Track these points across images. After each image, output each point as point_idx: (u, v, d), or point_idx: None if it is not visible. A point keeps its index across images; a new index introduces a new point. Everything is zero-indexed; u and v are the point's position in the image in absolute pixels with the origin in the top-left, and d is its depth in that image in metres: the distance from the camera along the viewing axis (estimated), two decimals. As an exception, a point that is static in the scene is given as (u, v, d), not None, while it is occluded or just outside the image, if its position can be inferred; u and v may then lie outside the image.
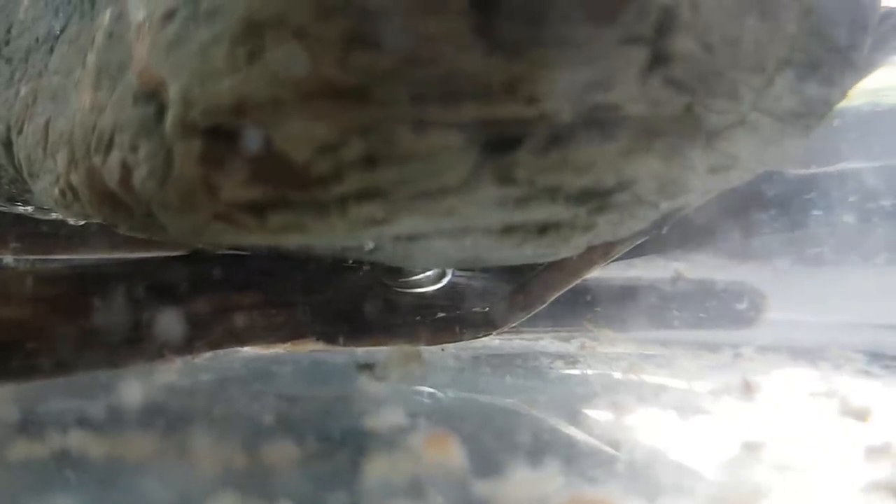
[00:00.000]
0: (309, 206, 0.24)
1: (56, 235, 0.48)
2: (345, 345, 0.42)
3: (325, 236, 0.26)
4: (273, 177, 0.23)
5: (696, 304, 0.61)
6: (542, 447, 0.27)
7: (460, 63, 0.21)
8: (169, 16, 0.23)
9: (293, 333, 0.40)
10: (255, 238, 0.26)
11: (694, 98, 0.24)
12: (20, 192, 0.38)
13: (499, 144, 0.23)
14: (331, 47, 0.21)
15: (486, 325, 0.42)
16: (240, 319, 0.38)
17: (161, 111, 0.24)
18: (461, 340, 0.42)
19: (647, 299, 0.59)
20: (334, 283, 0.40)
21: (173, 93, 0.23)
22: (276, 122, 0.22)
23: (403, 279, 0.42)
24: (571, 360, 0.44)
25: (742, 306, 0.63)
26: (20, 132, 0.33)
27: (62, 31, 0.31)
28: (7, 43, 0.37)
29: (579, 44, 0.21)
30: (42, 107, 0.31)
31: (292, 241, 0.27)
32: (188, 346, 0.36)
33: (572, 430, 0.29)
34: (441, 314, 0.42)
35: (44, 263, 0.38)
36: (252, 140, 0.23)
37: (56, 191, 0.30)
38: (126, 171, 0.26)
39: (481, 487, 0.21)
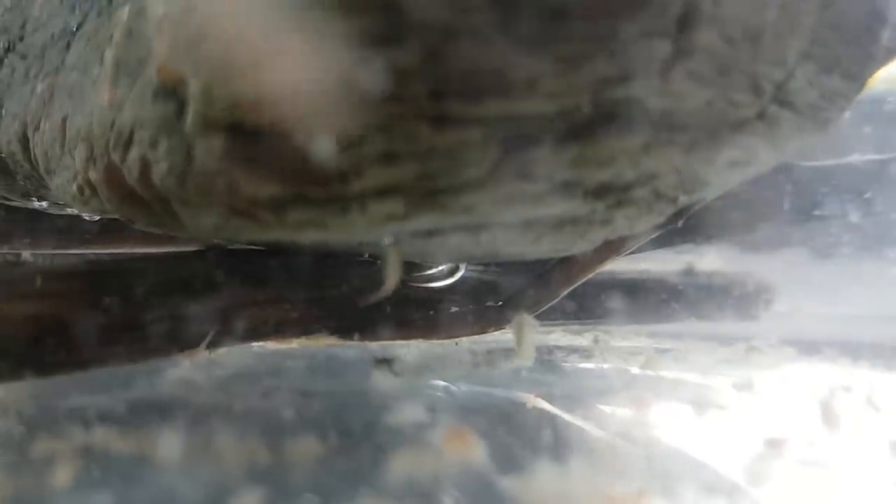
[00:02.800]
0: (329, 202, 0.24)
1: (70, 230, 0.48)
2: (359, 339, 0.42)
3: (344, 232, 0.26)
4: (293, 174, 0.23)
5: (706, 297, 0.61)
6: (562, 443, 0.27)
7: (481, 59, 0.21)
8: (189, 10, 0.23)
9: (308, 328, 0.40)
10: (274, 234, 0.26)
11: (715, 92, 0.24)
12: (36, 188, 0.38)
13: (519, 140, 0.23)
14: (353, 44, 0.21)
15: (500, 319, 0.42)
16: (255, 314, 0.38)
17: (182, 108, 0.24)
18: (475, 334, 0.42)
19: (658, 292, 0.58)
20: (349, 277, 0.40)
21: (194, 90, 0.23)
22: (298, 118, 0.22)
23: (417, 273, 0.42)
24: (586, 354, 0.44)
25: (752, 298, 0.63)
26: (37, 129, 0.33)
27: (79, 27, 0.31)
28: (21, 39, 0.37)
29: (601, 39, 0.21)
30: (59, 104, 0.31)
31: (311, 237, 0.27)
32: (205, 340, 0.36)
33: (591, 426, 0.29)
34: (454, 308, 0.42)
35: (60, 258, 0.38)
36: (273, 137, 0.23)
37: (74, 187, 0.30)
38: (145, 167, 0.26)
39: (504, 483, 0.21)
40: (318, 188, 0.24)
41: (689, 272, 0.60)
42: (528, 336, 0.37)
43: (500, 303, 0.42)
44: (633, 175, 0.26)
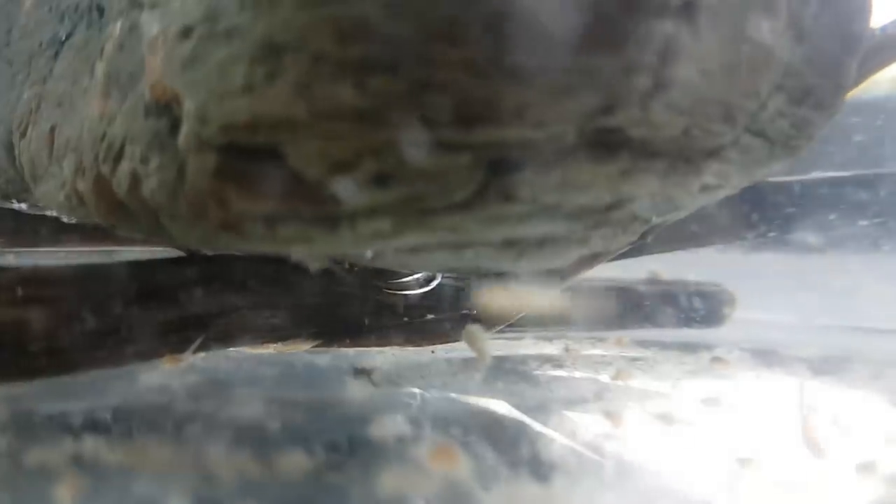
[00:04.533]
0: (319, 220, 0.25)
1: (48, 228, 0.48)
2: (337, 346, 0.42)
3: (332, 248, 0.27)
4: (285, 192, 0.24)
5: (670, 305, 0.63)
6: (538, 457, 0.28)
7: (473, 89, 0.22)
8: (185, 33, 0.24)
9: (286, 334, 0.41)
10: (262, 247, 0.27)
11: (691, 121, 0.25)
12: (17, 191, 0.38)
13: (505, 164, 0.24)
14: (348, 71, 0.21)
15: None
16: (235, 320, 0.38)
17: (175, 125, 0.25)
18: (449, 342, 0.43)
19: (624, 300, 0.60)
20: (327, 285, 0.41)
21: (189, 108, 0.24)
22: (291, 140, 0.23)
23: (393, 281, 0.43)
24: (558, 364, 0.45)
25: (714, 307, 0.65)
26: (23, 136, 0.33)
27: (68, 37, 0.32)
28: (7, 45, 0.37)
29: (586, 72, 0.22)
30: (47, 112, 0.31)
31: (299, 251, 0.27)
32: (185, 345, 0.36)
33: (565, 438, 0.30)
34: (431, 316, 0.43)
35: (44, 264, 0.39)
36: (266, 157, 0.24)
37: (61, 195, 0.31)
38: (136, 181, 0.27)
39: (488, 500, 0.22)
40: (308, 207, 0.24)
41: (653, 281, 0.62)
42: (483, 344, 0.38)
43: (475, 311, 0.43)
44: (611, 198, 0.27)
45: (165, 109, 0.25)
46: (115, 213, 0.29)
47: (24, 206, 0.42)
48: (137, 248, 0.46)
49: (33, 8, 0.35)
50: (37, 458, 0.24)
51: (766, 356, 0.49)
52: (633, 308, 0.60)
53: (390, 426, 0.27)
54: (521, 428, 0.32)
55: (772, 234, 0.53)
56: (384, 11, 0.21)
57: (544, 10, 0.22)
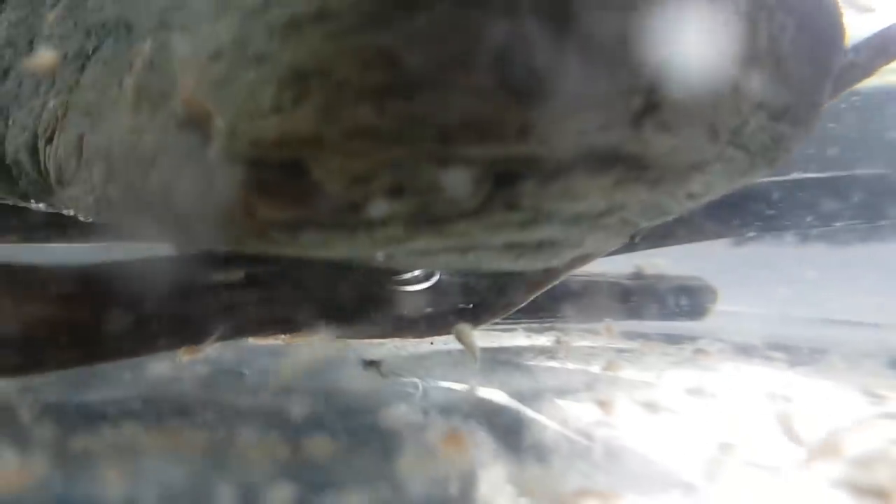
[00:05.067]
0: (338, 227, 0.27)
1: (59, 225, 0.50)
2: (341, 338, 0.45)
3: (349, 251, 0.29)
4: (308, 202, 0.26)
5: (655, 299, 0.66)
6: (537, 442, 0.30)
7: (483, 111, 0.24)
8: (216, 56, 0.26)
9: (295, 326, 0.43)
10: (285, 251, 0.29)
11: (679, 138, 0.27)
12: (38, 193, 0.40)
13: (510, 177, 0.26)
14: (368, 96, 0.24)
15: (471, 320, 0.45)
16: (246, 313, 0.41)
17: (205, 139, 0.27)
18: (447, 335, 0.46)
19: (611, 294, 0.63)
20: (332, 280, 0.43)
21: (220, 125, 0.26)
22: (316, 156, 0.25)
23: (396, 277, 0.45)
24: (550, 355, 0.48)
25: (696, 300, 0.68)
26: (49, 141, 0.35)
27: (94, 51, 0.34)
28: (30, 54, 0.39)
29: (586, 95, 0.24)
30: (75, 121, 0.33)
31: (318, 255, 0.30)
32: (199, 337, 0.39)
33: (559, 425, 0.33)
34: (429, 309, 0.45)
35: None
36: (291, 170, 0.26)
37: (91, 199, 0.33)
38: (166, 190, 0.29)
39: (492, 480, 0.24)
40: (329, 216, 0.27)
41: (638, 275, 0.65)
42: (471, 341, 0.41)
43: (472, 305, 0.45)
44: (604, 206, 0.29)
45: (197, 125, 0.27)
46: (143, 217, 0.31)
47: (41, 205, 0.44)
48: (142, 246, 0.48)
49: (58, 21, 0.37)
50: (81, 444, 0.27)
51: (745, 348, 0.51)
52: (618, 301, 0.63)
53: (401, 414, 0.30)
54: (517, 415, 0.34)
55: (751, 234, 0.56)
56: (403, 43, 0.23)
57: (546, 41, 0.24)
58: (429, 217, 0.27)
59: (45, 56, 0.33)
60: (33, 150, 0.37)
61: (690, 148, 0.28)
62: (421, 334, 0.44)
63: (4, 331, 0.33)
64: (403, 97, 0.24)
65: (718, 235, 0.55)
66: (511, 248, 0.30)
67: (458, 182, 0.25)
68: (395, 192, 0.26)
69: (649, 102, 0.26)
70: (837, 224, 0.58)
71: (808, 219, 0.56)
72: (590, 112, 0.25)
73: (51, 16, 0.37)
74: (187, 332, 0.38)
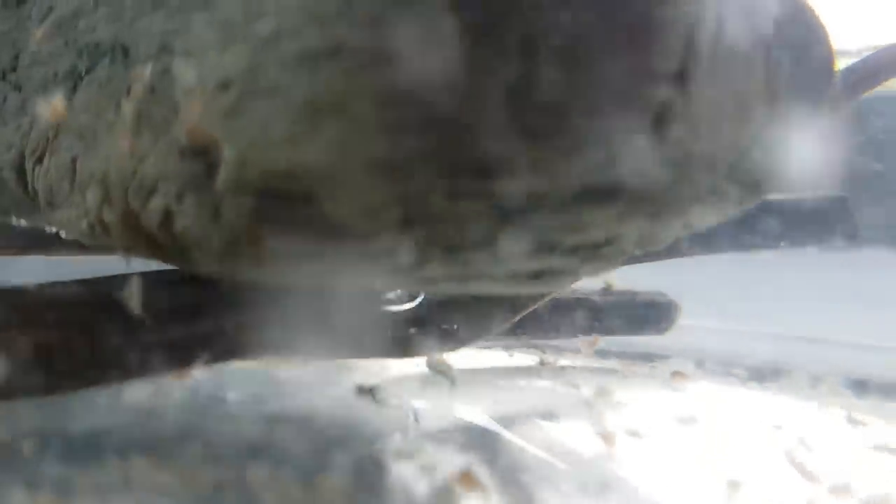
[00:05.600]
0: (345, 257, 0.27)
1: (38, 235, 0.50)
2: (326, 358, 0.45)
3: (355, 281, 0.29)
4: (316, 233, 0.27)
5: (624, 314, 0.67)
6: (525, 466, 0.31)
7: (493, 146, 0.24)
8: (224, 86, 0.26)
9: (279, 349, 0.43)
10: (288, 280, 0.29)
11: (681, 173, 0.28)
12: (23, 212, 0.40)
13: (517, 209, 0.26)
14: (384, 131, 0.24)
15: (455, 341, 0.46)
16: (236, 336, 0.40)
17: (212, 168, 0.27)
18: (432, 355, 0.46)
19: (583, 310, 0.63)
20: (317, 301, 0.43)
21: (229, 155, 0.26)
22: (327, 188, 0.25)
23: (379, 296, 0.45)
24: (536, 375, 0.48)
25: (662, 315, 0.69)
26: (39, 162, 0.35)
27: (87, 71, 0.33)
28: (14, 69, 0.39)
29: (595, 133, 0.25)
30: (67, 143, 0.33)
31: (320, 284, 0.30)
32: (190, 361, 0.39)
33: (551, 455, 0.33)
34: (413, 330, 0.46)
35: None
36: (301, 201, 0.26)
37: (84, 223, 0.32)
38: (168, 216, 0.29)
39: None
40: (337, 246, 0.27)
41: (607, 291, 0.66)
42: (447, 367, 0.41)
43: (456, 326, 0.46)
44: (604, 237, 0.30)
45: (202, 153, 0.27)
46: (141, 242, 0.31)
47: (22, 221, 0.43)
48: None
49: (46, 38, 0.37)
50: (85, 478, 0.26)
51: (715, 366, 0.52)
52: (590, 317, 0.63)
53: (402, 448, 0.30)
54: (514, 446, 0.35)
55: (720, 252, 0.57)
56: (417, 80, 0.23)
57: (558, 81, 0.24)
58: (436, 249, 0.27)
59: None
60: (20, 170, 0.37)
61: (691, 182, 0.28)
62: (405, 355, 0.45)
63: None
64: (416, 133, 0.24)
65: (693, 253, 0.56)
66: (512, 277, 0.31)
67: (467, 215, 0.26)
68: (405, 224, 0.26)
69: (653, 140, 0.26)
70: (798, 245, 0.59)
71: (769, 240, 0.58)
72: (595, 149, 0.25)
73: (38, 32, 0.37)
74: (174, 355, 0.38)
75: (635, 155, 0.26)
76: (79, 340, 0.33)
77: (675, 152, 0.27)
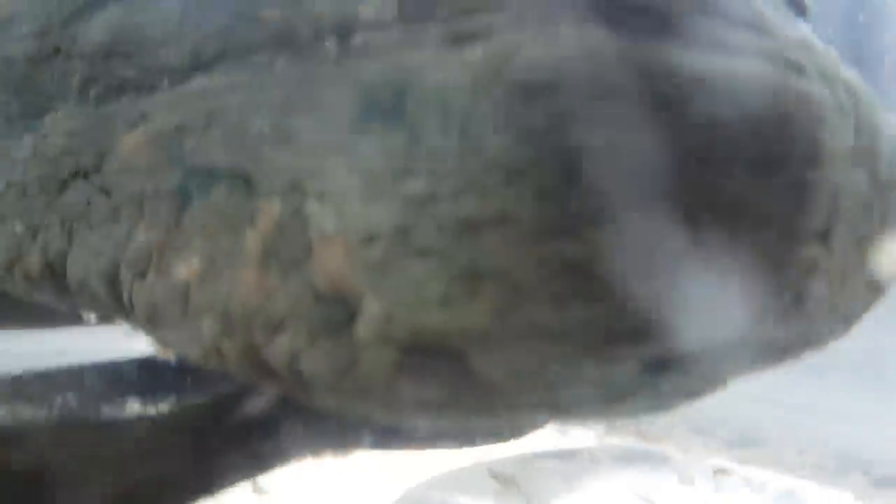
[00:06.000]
0: (481, 408, 0.27)
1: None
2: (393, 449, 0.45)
3: (480, 422, 0.29)
4: (458, 387, 0.27)
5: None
6: None
7: (657, 314, 0.25)
8: (370, 240, 0.26)
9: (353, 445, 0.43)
10: (408, 419, 0.30)
11: (814, 326, 0.28)
12: (105, 315, 0.39)
13: (660, 367, 0.27)
14: (548, 299, 0.24)
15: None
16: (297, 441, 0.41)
17: (351, 316, 0.27)
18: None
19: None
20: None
21: (373, 308, 0.26)
22: (479, 349, 0.25)
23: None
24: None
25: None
26: (140, 277, 0.35)
27: (199, 194, 0.33)
28: (98, 170, 0.38)
29: (750, 294, 0.25)
30: (177, 265, 0.33)
31: (434, 421, 0.30)
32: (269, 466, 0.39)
33: None
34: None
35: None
36: (447, 357, 0.26)
37: (197, 348, 0.32)
38: (295, 354, 0.29)
39: None
40: (476, 400, 0.27)
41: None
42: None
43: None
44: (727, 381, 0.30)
45: (341, 300, 0.27)
46: (261, 374, 0.30)
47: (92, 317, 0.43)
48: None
49: (142, 148, 0.36)
50: None
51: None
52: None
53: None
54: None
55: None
56: (589, 253, 0.23)
57: (715, 247, 0.25)
58: (572, 406, 0.27)
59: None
60: (112, 280, 0.36)
61: (820, 332, 0.29)
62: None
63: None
64: (583, 302, 0.24)
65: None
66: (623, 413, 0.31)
67: (615, 376, 0.26)
68: (552, 386, 0.26)
69: (798, 295, 0.27)
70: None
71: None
72: (752, 306, 0.26)
73: (129, 139, 0.37)
74: (259, 463, 0.38)
75: (781, 312, 0.27)
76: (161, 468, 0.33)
77: (813, 307, 0.27)
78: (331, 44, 0.29)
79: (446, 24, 0.26)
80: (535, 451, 0.53)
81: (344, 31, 0.28)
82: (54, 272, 0.41)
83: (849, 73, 0.28)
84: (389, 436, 0.46)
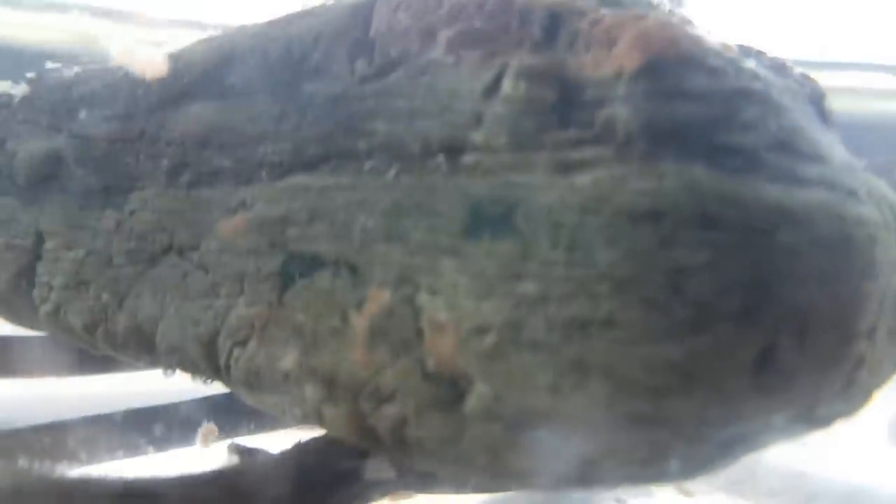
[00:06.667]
0: (575, 478, 0.32)
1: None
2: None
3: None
4: (554, 459, 0.31)
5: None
6: None
7: (738, 403, 0.29)
8: (482, 331, 0.30)
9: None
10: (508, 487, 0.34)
11: (854, 406, 0.33)
12: (198, 376, 0.43)
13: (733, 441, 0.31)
14: (649, 394, 0.28)
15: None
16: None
17: (460, 395, 0.31)
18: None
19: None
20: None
21: (483, 390, 0.30)
22: (582, 431, 0.29)
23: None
24: None
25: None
26: (241, 345, 0.38)
27: (302, 276, 0.37)
28: (196, 248, 0.42)
29: (811, 386, 0.30)
30: (281, 339, 0.36)
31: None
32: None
33: None
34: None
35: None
36: (549, 429, 0.30)
37: (298, 412, 0.36)
38: (401, 424, 0.32)
39: None
40: (571, 471, 0.31)
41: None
42: None
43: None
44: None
45: (450, 380, 0.31)
46: (364, 438, 0.34)
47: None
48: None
49: (243, 232, 0.40)
50: None
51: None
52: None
53: None
54: None
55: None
56: (689, 356, 0.28)
57: (788, 349, 0.29)
58: (653, 476, 0.31)
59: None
60: (209, 346, 0.40)
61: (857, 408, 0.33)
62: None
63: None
64: (681, 396, 0.28)
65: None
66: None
67: (698, 454, 0.30)
68: (643, 463, 0.30)
69: (848, 381, 0.31)
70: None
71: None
72: (810, 396, 0.30)
73: (229, 224, 0.40)
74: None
75: (831, 396, 0.31)
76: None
77: (857, 392, 0.32)
78: (441, 160, 0.32)
79: (554, 153, 0.30)
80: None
81: (455, 150, 0.32)
82: (142, 335, 0.44)
83: (886, 190, 0.33)
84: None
